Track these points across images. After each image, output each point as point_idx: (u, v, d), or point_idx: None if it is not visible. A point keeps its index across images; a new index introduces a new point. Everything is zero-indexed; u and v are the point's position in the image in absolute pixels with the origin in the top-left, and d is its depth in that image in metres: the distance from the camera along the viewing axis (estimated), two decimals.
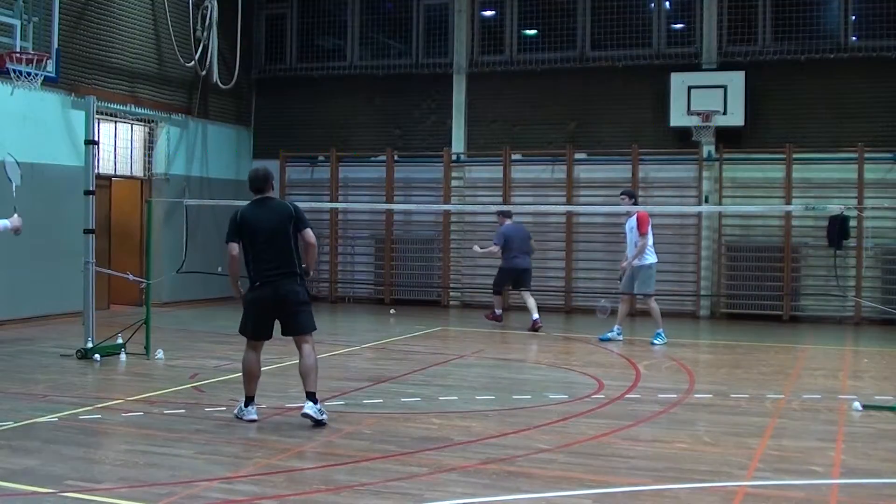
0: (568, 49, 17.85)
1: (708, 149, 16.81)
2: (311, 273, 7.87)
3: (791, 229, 16.42)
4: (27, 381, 9.37)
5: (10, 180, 8.80)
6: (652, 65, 17.27)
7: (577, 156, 17.58)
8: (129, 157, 16.84)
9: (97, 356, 10.63)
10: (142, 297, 12.41)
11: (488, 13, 18.56)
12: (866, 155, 15.85)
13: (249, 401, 7.70)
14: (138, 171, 17.02)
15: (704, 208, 16.73)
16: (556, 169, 17.82)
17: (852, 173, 15.96)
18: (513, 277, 14.78)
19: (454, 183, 18.39)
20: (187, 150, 17.89)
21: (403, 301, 18.34)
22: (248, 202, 7.87)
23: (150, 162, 17.14)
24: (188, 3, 17.25)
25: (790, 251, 16.38)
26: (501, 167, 17.87)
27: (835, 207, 12.91)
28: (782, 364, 11.59)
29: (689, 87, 16.54)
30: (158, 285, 13.41)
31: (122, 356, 10.79)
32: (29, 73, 13.22)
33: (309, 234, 7.69)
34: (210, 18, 17.59)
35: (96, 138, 13.09)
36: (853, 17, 16.44)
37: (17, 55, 13.19)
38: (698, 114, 16.39)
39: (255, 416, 7.64)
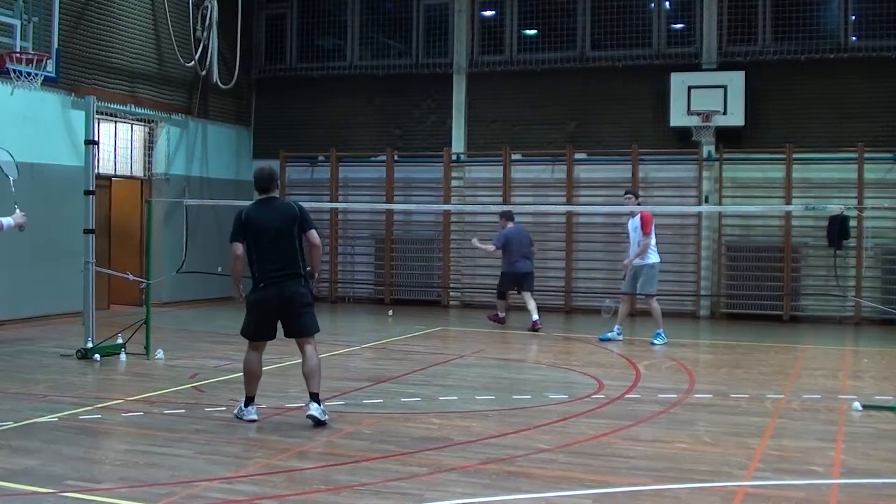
0: (568, 49, 17.85)
1: (708, 149, 16.81)
2: (317, 275, 7.81)
3: (791, 229, 16.41)
4: (27, 381, 9.37)
5: (7, 175, 8.79)
6: (652, 65, 17.27)
7: (577, 156, 17.58)
8: (129, 157, 16.84)
9: (97, 356, 10.63)
10: (142, 297, 12.41)
11: (488, 13, 18.55)
12: (866, 155, 15.85)
13: (250, 401, 7.69)
14: (138, 171, 17.02)
15: (704, 208, 16.73)
16: (556, 169, 17.82)
17: (852, 173, 15.96)
18: (515, 281, 14.78)
19: (454, 183, 18.38)
20: (187, 150, 17.88)
21: (403, 301, 18.34)
22: (253, 202, 7.82)
23: (150, 162, 17.14)
24: (188, 3, 17.25)
25: (790, 251, 16.38)
26: (501, 167, 17.87)
27: (835, 207, 12.92)
28: (782, 364, 11.59)
29: (689, 87, 16.54)
30: (158, 285, 13.41)
31: (122, 356, 10.79)
32: (29, 73, 13.22)
33: (314, 235, 7.64)
34: (210, 18, 17.59)
35: (96, 138, 13.09)
36: (853, 17, 16.44)
37: (17, 55, 13.19)
38: (698, 114, 16.39)
39: (255, 417, 7.63)
